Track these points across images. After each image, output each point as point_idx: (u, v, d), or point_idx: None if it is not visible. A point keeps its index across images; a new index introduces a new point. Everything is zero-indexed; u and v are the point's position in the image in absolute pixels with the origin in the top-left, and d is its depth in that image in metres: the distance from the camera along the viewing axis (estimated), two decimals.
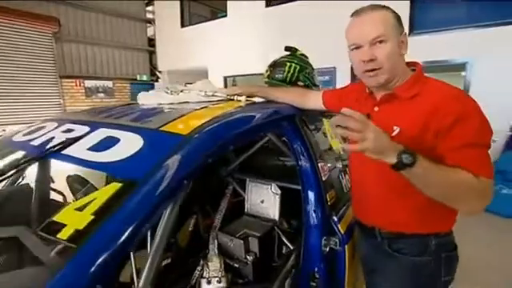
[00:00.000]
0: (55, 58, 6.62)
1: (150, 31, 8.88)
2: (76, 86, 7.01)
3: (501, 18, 4.41)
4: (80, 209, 0.66)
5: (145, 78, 8.52)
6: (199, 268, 1.33)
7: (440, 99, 0.88)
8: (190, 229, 1.76)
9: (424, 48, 4.77)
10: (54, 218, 0.65)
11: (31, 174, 1.32)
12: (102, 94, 7.47)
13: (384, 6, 0.94)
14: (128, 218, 0.64)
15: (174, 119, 1.03)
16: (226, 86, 7.19)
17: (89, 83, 7.22)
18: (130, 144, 0.88)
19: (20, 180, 1.46)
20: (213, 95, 1.40)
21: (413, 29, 4.88)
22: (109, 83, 7.64)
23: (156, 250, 0.76)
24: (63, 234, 0.60)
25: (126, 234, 0.62)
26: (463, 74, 4.98)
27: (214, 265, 1.33)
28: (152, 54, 8.90)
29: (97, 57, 7.51)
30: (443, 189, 0.83)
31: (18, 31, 6.04)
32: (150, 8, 8.80)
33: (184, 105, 1.33)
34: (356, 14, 0.95)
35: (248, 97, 1.41)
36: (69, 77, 6.90)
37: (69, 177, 1.65)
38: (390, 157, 0.75)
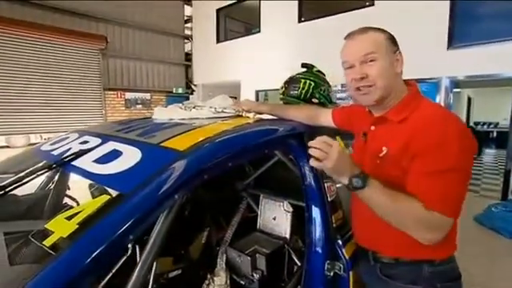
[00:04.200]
0: (101, 72, 7.18)
1: (187, 47, 9.34)
2: (117, 97, 7.52)
3: None
4: (69, 218, 0.71)
5: (180, 90, 8.90)
6: (207, 282, 1.33)
7: (422, 123, 0.88)
8: (203, 242, 1.78)
9: (466, 62, 4.49)
10: (46, 226, 0.70)
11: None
12: (140, 106, 7.93)
13: (376, 28, 0.97)
14: (110, 230, 0.67)
15: (176, 135, 1.06)
16: (257, 100, 7.28)
17: (128, 95, 7.72)
18: (129, 158, 0.93)
19: (50, 185, 1.59)
20: (222, 111, 1.43)
21: (451, 42, 4.60)
22: (147, 95, 8.10)
23: (144, 262, 0.77)
24: (48, 241, 0.64)
25: (105, 245, 0.64)
26: None
27: (221, 280, 1.33)
28: (188, 67, 9.31)
29: (137, 71, 8.02)
30: (386, 213, 0.87)
31: (71, 48, 6.65)
32: (188, 25, 9.27)
33: (194, 120, 1.37)
34: (348, 36, 0.99)
35: (257, 113, 1.42)
36: (111, 89, 7.43)
37: (90, 184, 1.77)
38: (344, 178, 0.84)
